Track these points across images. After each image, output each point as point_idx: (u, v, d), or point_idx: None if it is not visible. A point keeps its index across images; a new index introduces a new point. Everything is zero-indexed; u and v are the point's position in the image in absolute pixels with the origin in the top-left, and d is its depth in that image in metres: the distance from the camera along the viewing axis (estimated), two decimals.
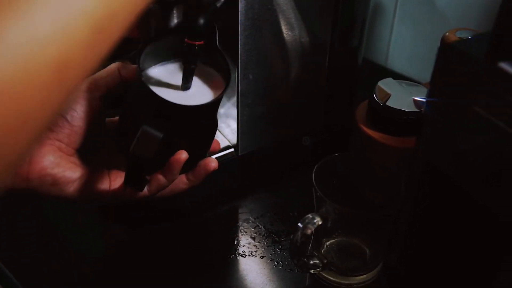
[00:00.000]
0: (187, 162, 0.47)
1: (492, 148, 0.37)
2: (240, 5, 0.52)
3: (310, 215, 0.50)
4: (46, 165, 0.45)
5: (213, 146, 0.52)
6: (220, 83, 0.49)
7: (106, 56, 0.31)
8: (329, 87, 0.65)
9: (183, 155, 0.46)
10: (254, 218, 0.63)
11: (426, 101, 0.42)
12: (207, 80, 0.50)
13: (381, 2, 0.87)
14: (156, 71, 0.49)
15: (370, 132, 0.60)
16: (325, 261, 0.53)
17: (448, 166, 0.42)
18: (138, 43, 0.53)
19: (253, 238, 0.61)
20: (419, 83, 0.65)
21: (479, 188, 0.39)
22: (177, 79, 0.48)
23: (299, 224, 0.49)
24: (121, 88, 0.49)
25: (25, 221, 0.63)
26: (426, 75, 0.43)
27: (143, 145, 0.43)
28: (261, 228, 0.62)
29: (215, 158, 0.51)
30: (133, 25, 0.33)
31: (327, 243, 0.56)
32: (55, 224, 0.63)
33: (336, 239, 0.56)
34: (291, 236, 0.50)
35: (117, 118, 0.51)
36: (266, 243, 0.60)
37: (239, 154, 0.63)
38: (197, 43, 0.46)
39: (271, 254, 0.59)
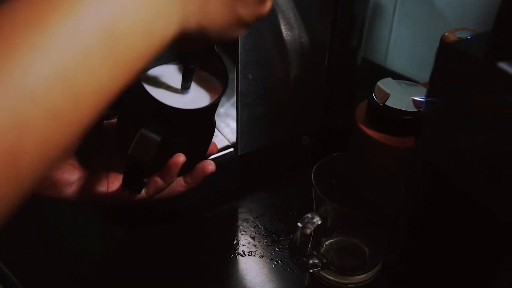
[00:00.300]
0: (185, 164, 0.47)
1: (491, 148, 0.37)
2: None
3: (309, 215, 0.50)
4: None
5: (211, 148, 0.52)
6: (218, 86, 0.49)
7: (73, 145, 0.27)
8: (328, 87, 0.65)
9: (181, 158, 0.46)
10: (254, 218, 0.63)
11: (426, 101, 0.42)
12: (206, 83, 0.50)
13: (381, 2, 0.87)
14: (155, 73, 0.49)
15: (369, 132, 0.60)
16: (325, 261, 0.53)
17: (447, 166, 0.42)
18: None
19: (253, 238, 0.61)
20: (418, 83, 0.65)
21: (479, 188, 0.39)
22: (176, 81, 0.48)
23: (299, 223, 0.49)
24: None
25: (25, 221, 0.62)
26: (425, 75, 0.43)
27: (141, 148, 0.43)
28: (260, 228, 0.62)
29: (215, 157, 0.51)
30: (109, 105, 0.29)
31: (327, 243, 0.56)
32: (55, 224, 0.63)
33: (335, 239, 0.56)
34: (291, 236, 0.50)
35: (115, 120, 0.51)
36: (266, 242, 0.60)
37: (239, 154, 0.63)
38: None
39: (270, 254, 0.59)
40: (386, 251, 0.55)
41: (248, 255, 0.59)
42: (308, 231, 0.49)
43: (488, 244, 0.42)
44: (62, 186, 0.46)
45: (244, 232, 0.61)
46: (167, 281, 0.56)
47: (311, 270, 0.54)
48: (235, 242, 0.60)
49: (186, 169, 0.49)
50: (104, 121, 0.51)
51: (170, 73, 0.50)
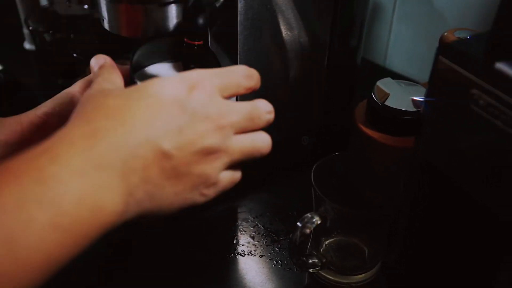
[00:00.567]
0: None
1: (491, 148, 0.37)
2: (239, 5, 0.52)
3: (309, 215, 0.50)
4: None
5: None
6: None
7: None
8: (328, 87, 0.65)
9: None
10: (253, 218, 0.63)
11: (425, 100, 0.42)
12: None
13: (380, 2, 0.87)
14: (151, 71, 0.49)
15: (369, 131, 0.60)
16: (324, 260, 0.53)
17: (447, 166, 0.42)
18: (139, 43, 0.53)
19: (252, 237, 0.61)
20: (418, 82, 0.65)
21: (479, 188, 0.39)
22: None
23: (298, 223, 0.49)
24: None
25: None
26: (425, 74, 0.43)
27: None
28: (260, 228, 0.62)
29: None
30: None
31: (326, 242, 0.56)
32: None
33: (335, 238, 0.56)
34: (290, 235, 0.50)
35: None
36: (265, 242, 0.60)
37: None
38: (196, 43, 0.46)
39: (270, 253, 0.59)
40: (385, 251, 0.55)
41: (248, 254, 0.59)
42: (308, 230, 0.49)
43: (488, 244, 0.42)
44: None
45: (243, 232, 0.61)
46: (167, 281, 0.56)
47: (310, 270, 0.54)
48: (234, 242, 0.60)
49: None
50: None
51: (165, 71, 0.50)
